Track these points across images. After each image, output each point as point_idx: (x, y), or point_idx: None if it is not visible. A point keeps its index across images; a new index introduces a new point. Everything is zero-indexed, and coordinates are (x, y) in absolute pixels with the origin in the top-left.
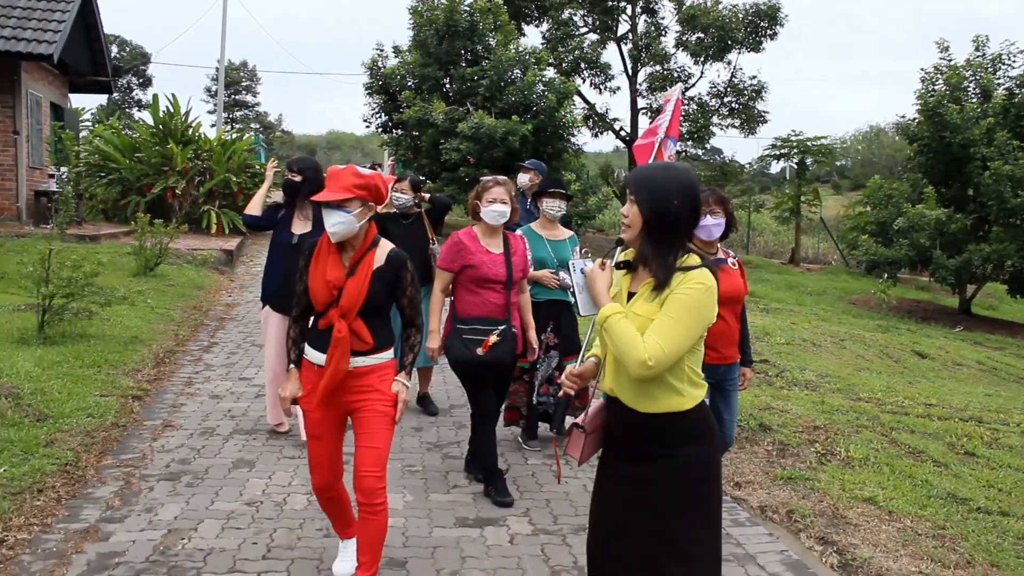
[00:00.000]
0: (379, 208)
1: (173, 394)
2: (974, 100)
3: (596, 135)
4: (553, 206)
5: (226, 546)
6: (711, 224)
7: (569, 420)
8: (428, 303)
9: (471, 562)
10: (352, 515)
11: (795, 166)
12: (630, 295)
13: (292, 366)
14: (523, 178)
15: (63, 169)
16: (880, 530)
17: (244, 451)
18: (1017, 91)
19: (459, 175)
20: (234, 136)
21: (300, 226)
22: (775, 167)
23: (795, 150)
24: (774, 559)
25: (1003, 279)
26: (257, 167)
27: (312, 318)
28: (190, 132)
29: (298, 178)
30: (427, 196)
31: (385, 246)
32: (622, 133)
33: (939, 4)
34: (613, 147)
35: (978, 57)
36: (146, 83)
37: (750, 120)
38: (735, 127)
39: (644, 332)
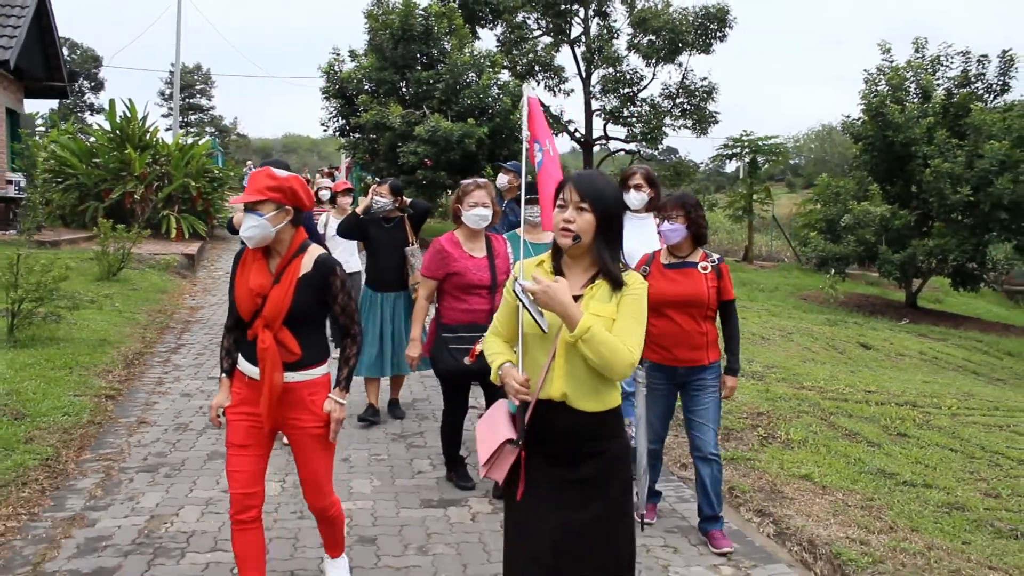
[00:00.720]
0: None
1: (145, 393)
2: (915, 100)
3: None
4: (535, 212)
5: (207, 528)
6: (667, 229)
7: (495, 437)
8: (404, 306)
9: (436, 538)
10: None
11: (747, 165)
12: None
13: (223, 375)
14: (502, 179)
15: (20, 176)
16: (813, 503)
17: (218, 444)
18: (955, 91)
19: (417, 178)
20: (192, 141)
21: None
22: (730, 166)
23: (747, 149)
24: None
25: (947, 273)
26: (216, 172)
27: (242, 327)
28: (148, 137)
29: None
30: (408, 201)
31: (313, 252)
32: (576, 135)
33: (893, 3)
34: (569, 148)
35: (918, 58)
36: (98, 87)
37: (702, 121)
38: (687, 128)
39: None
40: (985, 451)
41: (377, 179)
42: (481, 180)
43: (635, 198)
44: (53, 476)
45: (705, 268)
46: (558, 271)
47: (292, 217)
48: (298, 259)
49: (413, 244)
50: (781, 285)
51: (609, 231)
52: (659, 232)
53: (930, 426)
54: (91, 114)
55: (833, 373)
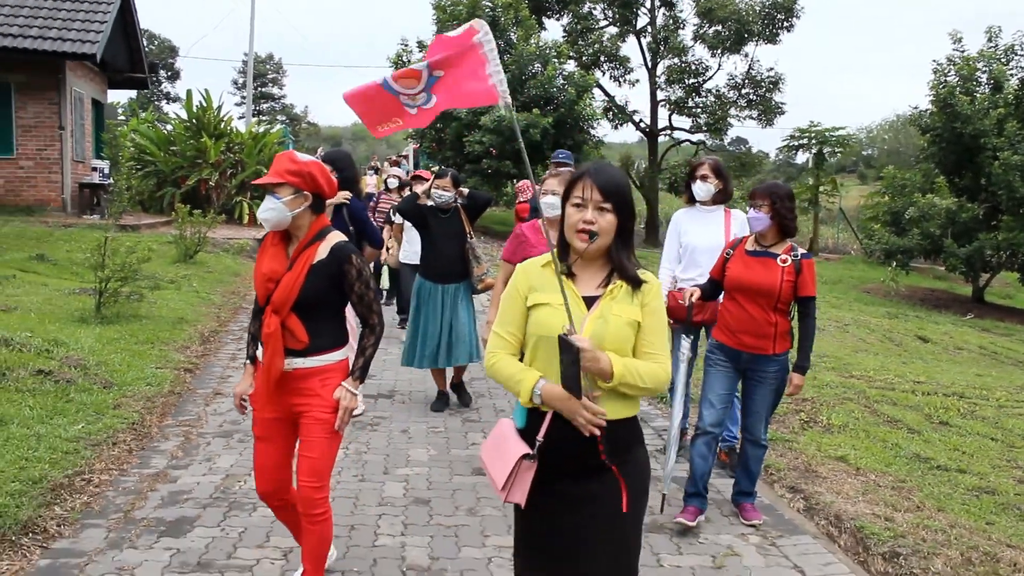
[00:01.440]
0: (422, 197)
1: (220, 367)
2: (985, 91)
3: (616, 127)
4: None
5: None
6: (752, 217)
7: (507, 456)
8: (463, 297)
9: (485, 502)
10: None
11: (813, 157)
12: (588, 300)
13: (247, 361)
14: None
15: (105, 163)
16: (845, 482)
17: None
18: None
19: (482, 167)
20: (264, 129)
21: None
22: (800, 158)
23: (813, 141)
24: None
25: (1016, 268)
26: None
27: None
28: (222, 126)
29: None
30: (466, 191)
31: (331, 239)
32: (642, 125)
33: None
34: (638, 138)
35: (991, 48)
36: (174, 76)
37: (767, 111)
38: (752, 118)
39: (627, 334)
40: None
41: (435, 168)
42: (563, 168)
43: (702, 189)
44: (139, 438)
45: (784, 261)
46: (567, 272)
47: (311, 203)
48: (314, 246)
49: (470, 236)
50: (845, 277)
51: (625, 230)
52: (747, 219)
53: (974, 416)
54: (167, 103)
55: (884, 364)
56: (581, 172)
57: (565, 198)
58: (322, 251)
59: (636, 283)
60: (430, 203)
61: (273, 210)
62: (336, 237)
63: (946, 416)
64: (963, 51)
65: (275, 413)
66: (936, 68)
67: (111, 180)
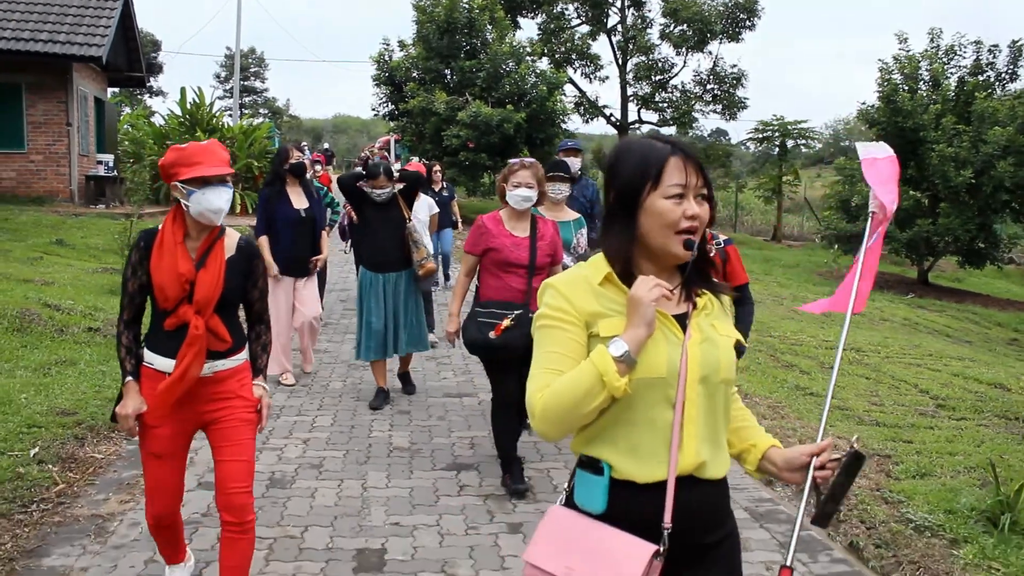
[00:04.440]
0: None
1: None
2: (926, 88)
3: (587, 121)
4: (556, 189)
5: (312, 462)
6: None
7: (627, 556)
8: (406, 285)
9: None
10: (183, 537)
11: (776, 148)
12: (680, 319)
13: (130, 379)
14: (576, 163)
15: (109, 157)
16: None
17: (305, 398)
18: (967, 79)
19: (459, 159)
20: (253, 123)
21: (300, 201)
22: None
23: (776, 133)
24: None
25: (958, 252)
26: (274, 152)
27: (154, 320)
28: (214, 121)
29: (303, 158)
30: (397, 174)
31: (233, 235)
32: (612, 119)
33: None
34: (604, 131)
35: (933, 48)
36: (157, 70)
37: (731, 106)
38: (717, 113)
39: (734, 360)
40: (894, 379)
41: (424, 161)
42: (528, 160)
43: None
44: None
45: (711, 251)
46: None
47: None
48: (220, 241)
49: (410, 221)
50: (803, 262)
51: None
52: None
53: (860, 363)
54: (151, 97)
55: (803, 328)
56: (666, 150)
57: (638, 185)
58: (229, 246)
59: (717, 291)
60: (377, 198)
61: (229, 200)
62: (235, 233)
63: (833, 362)
64: (908, 51)
65: (176, 427)
66: (882, 67)
67: (115, 173)
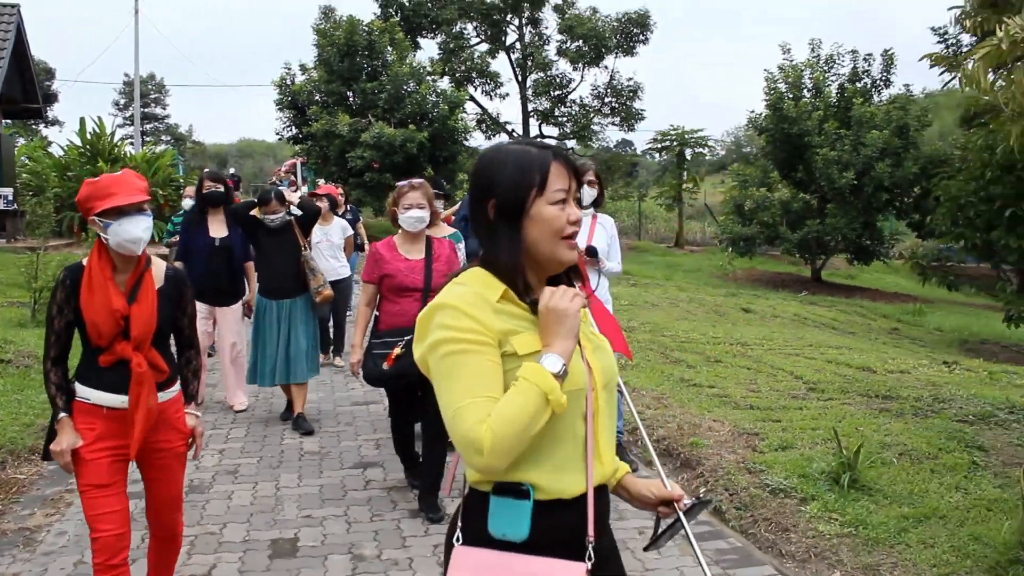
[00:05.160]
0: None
1: None
2: (808, 96)
3: (489, 138)
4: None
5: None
6: (587, 192)
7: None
8: (302, 311)
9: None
10: None
11: (674, 157)
12: None
13: (63, 415)
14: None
15: (8, 190)
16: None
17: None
18: (847, 86)
19: (365, 180)
20: (156, 151)
21: (218, 230)
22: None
23: (675, 142)
24: None
25: (847, 250)
26: (180, 180)
27: (85, 356)
28: (116, 151)
29: (220, 187)
30: (296, 201)
31: (160, 264)
32: (515, 135)
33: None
34: None
35: (814, 58)
36: (52, 99)
37: (628, 118)
38: (615, 125)
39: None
40: (772, 368)
41: (330, 183)
42: (416, 181)
43: (588, 194)
44: None
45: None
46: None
47: None
48: (148, 272)
49: (306, 249)
50: (704, 266)
51: None
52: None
53: (744, 356)
54: (47, 127)
55: (695, 327)
56: (547, 156)
57: (523, 195)
58: (158, 277)
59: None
60: (271, 223)
61: (149, 228)
62: (161, 262)
63: (720, 356)
64: (791, 60)
65: (112, 456)
66: (767, 76)
67: (15, 206)
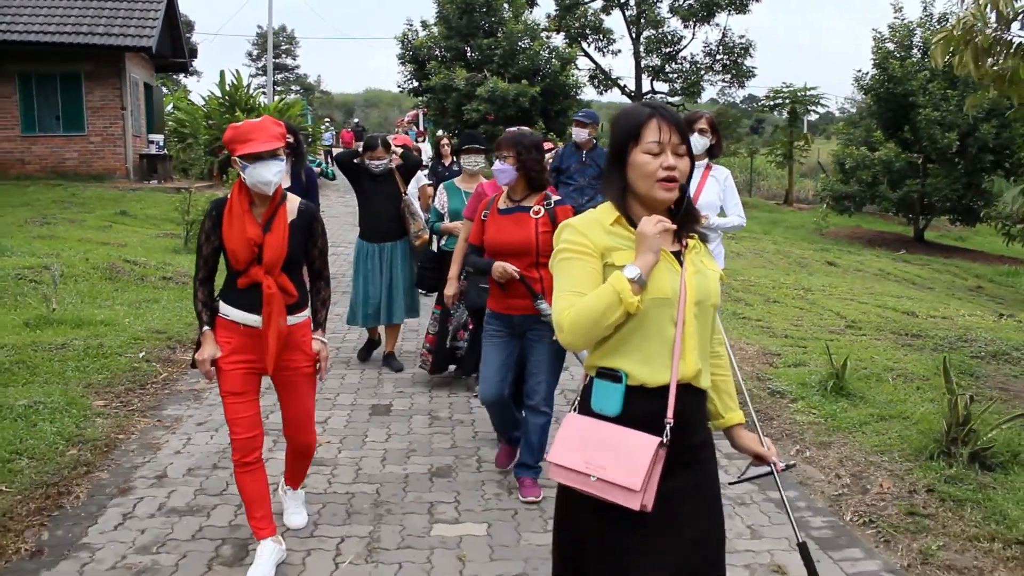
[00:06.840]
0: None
1: None
2: (920, 55)
3: (601, 93)
4: (471, 161)
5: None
6: (497, 169)
7: (632, 450)
8: (401, 255)
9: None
10: (268, 495)
11: (788, 115)
12: (676, 256)
13: (206, 328)
14: (581, 133)
15: (159, 136)
16: None
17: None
18: None
19: (479, 132)
20: (287, 100)
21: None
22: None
23: (787, 100)
24: None
25: (952, 211)
26: (308, 129)
27: (227, 278)
28: (252, 101)
29: (291, 138)
30: (399, 152)
31: (294, 200)
32: (626, 90)
33: None
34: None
35: (925, 17)
36: (193, 53)
37: (739, 75)
38: (725, 82)
39: (719, 290)
40: (823, 309)
41: (445, 134)
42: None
43: (698, 143)
44: None
45: (537, 212)
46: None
47: None
48: (283, 206)
49: (405, 195)
50: (807, 223)
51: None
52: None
53: (801, 299)
54: (185, 76)
55: (768, 274)
56: (646, 113)
57: (624, 143)
58: (291, 210)
59: (704, 238)
60: (376, 169)
61: (282, 171)
62: (296, 198)
63: (779, 298)
64: (903, 19)
65: (246, 370)
66: (876, 35)
67: (165, 151)
